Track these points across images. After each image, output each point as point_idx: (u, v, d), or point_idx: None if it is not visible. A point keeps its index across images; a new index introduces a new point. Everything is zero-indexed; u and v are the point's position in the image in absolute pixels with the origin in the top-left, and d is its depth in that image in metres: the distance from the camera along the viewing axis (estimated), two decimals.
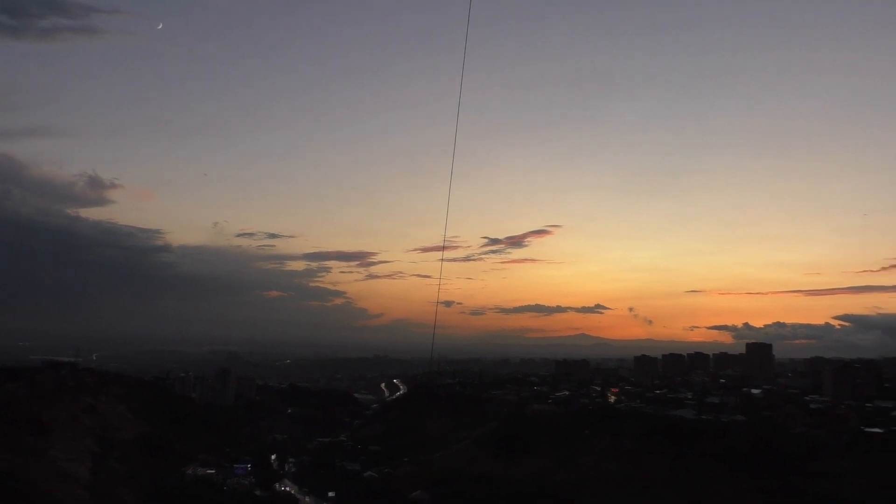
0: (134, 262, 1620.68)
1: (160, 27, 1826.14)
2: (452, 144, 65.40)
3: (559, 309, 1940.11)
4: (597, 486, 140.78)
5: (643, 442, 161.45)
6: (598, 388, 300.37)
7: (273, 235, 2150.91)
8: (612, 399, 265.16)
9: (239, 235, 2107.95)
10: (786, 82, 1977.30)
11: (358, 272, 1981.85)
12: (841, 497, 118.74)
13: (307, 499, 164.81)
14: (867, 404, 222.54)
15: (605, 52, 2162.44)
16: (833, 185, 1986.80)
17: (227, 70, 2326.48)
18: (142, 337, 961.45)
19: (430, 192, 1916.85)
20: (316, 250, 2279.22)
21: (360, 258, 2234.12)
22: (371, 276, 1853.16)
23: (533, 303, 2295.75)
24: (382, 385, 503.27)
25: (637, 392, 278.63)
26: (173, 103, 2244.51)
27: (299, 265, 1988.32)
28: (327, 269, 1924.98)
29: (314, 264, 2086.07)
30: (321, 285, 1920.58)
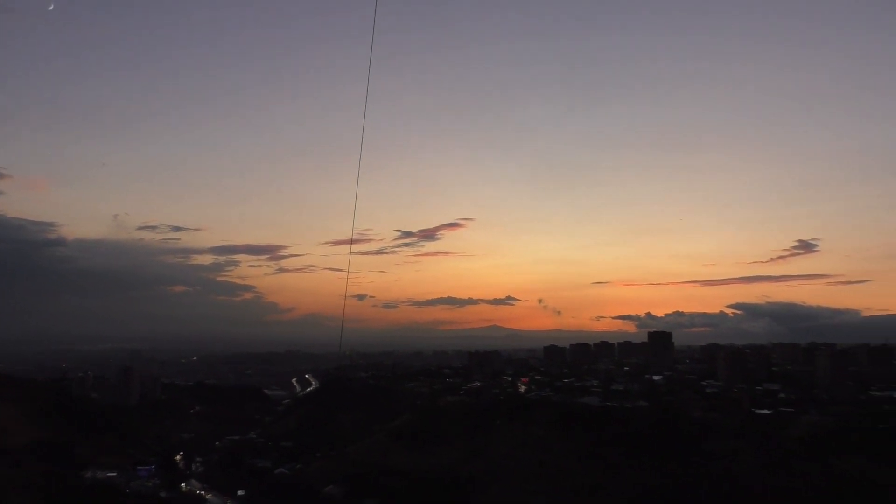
0: (25, 256, 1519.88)
1: (51, 8, 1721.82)
2: (362, 134, 64.46)
3: (471, 301, 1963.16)
4: (509, 474, 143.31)
5: (552, 429, 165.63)
6: (510, 379, 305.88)
7: (178, 228, 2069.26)
8: (523, 389, 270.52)
9: (141, 228, 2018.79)
10: (686, 84, 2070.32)
11: (268, 266, 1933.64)
12: (734, 475, 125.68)
13: (215, 498, 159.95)
14: (757, 387, 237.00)
15: (517, 48, 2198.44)
16: (729, 181, 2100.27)
17: (128, 53, 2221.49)
18: (36, 336, 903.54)
19: (342, 184, 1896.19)
20: (224, 244, 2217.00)
21: (270, 252, 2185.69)
22: (281, 270, 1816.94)
23: (446, 295, 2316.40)
24: (294, 380, 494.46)
25: (546, 381, 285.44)
26: (68, 88, 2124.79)
27: (206, 259, 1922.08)
28: (235, 263, 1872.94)
29: (222, 258, 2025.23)
30: (229, 279, 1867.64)
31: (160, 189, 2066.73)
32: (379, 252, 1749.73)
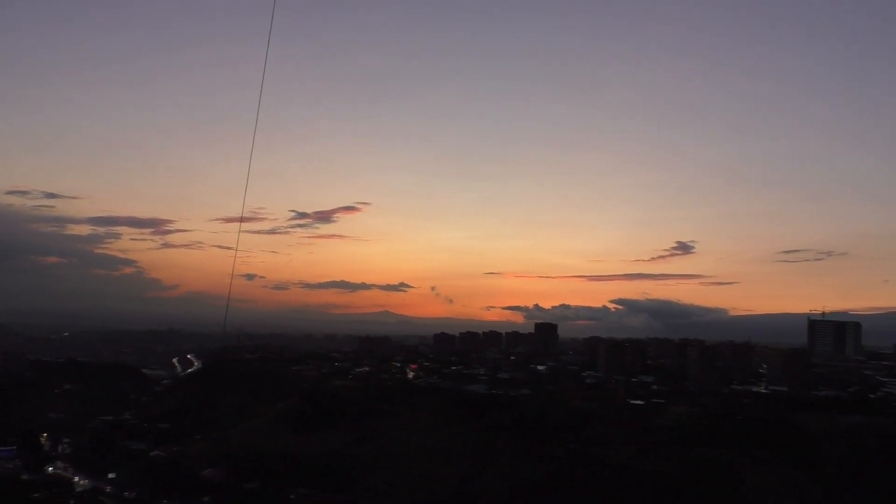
0: None
1: None
2: (258, 110, 62.54)
3: (364, 286, 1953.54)
4: (395, 458, 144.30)
5: (439, 415, 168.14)
6: (399, 365, 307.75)
7: (52, 195, 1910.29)
8: (412, 375, 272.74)
9: (9, 193, 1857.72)
10: (583, 85, 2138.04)
11: (152, 240, 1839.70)
12: (609, 461, 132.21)
13: (84, 481, 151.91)
14: (633, 379, 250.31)
15: (425, 32, 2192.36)
16: (616, 182, 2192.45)
17: (6, 12, 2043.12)
18: None
19: (235, 160, 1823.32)
20: (104, 214, 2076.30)
21: (155, 225, 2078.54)
22: (166, 245, 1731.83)
23: (339, 279, 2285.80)
24: (175, 360, 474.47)
25: (435, 368, 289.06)
26: None
27: (83, 229, 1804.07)
28: (116, 236, 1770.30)
29: (101, 229, 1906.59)
30: (108, 252, 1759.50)
31: (33, 152, 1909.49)
32: (272, 232, 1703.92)
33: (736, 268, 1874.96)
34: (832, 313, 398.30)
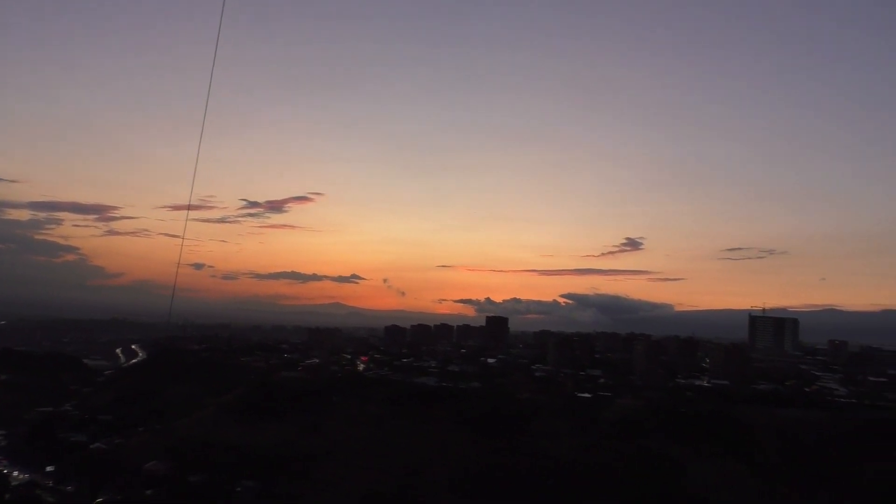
0: None
1: None
2: (207, 96, 61.07)
3: (315, 277, 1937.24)
4: (344, 450, 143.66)
5: (389, 407, 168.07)
6: (349, 356, 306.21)
7: None
8: (362, 367, 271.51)
9: None
10: (539, 82, 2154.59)
11: (96, 227, 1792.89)
12: (554, 453, 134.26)
13: (21, 475, 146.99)
14: (581, 372, 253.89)
15: (382, 22, 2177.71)
16: (569, 178, 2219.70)
17: None
18: None
19: (184, 147, 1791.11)
20: (45, 199, 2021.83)
21: (100, 212, 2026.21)
22: (111, 232, 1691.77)
23: (289, 270, 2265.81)
24: (118, 350, 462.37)
25: (386, 360, 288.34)
26: None
27: (22, 214, 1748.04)
28: (58, 221, 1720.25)
29: (42, 214, 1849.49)
30: (49, 238, 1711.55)
31: None
32: (221, 220, 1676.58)
33: (682, 264, 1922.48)
34: (772, 310, 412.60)
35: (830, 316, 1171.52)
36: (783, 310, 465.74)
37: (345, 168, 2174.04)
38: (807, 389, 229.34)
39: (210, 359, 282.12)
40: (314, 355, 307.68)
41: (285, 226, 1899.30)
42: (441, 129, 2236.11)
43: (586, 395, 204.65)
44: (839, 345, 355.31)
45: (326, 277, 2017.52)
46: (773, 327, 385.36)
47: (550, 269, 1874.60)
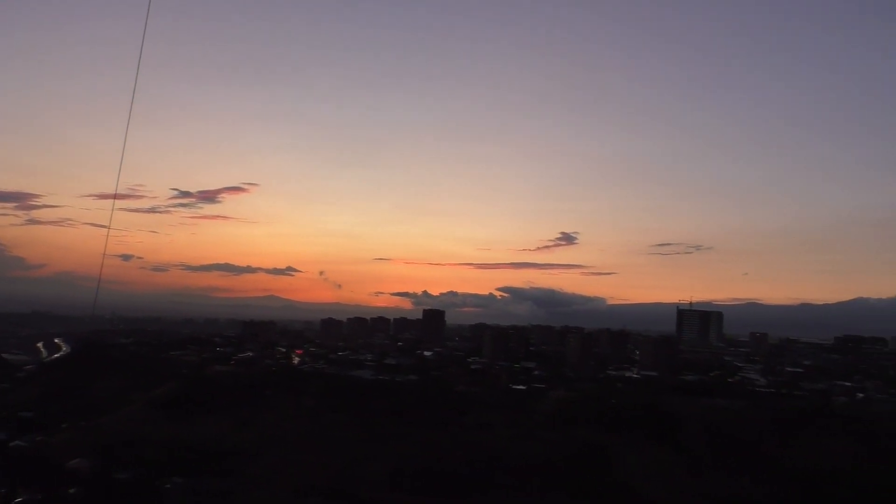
0: None
1: None
2: (135, 81, 58.53)
3: (250, 269, 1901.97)
4: (277, 444, 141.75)
5: (324, 401, 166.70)
6: (284, 350, 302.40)
7: None
8: (297, 360, 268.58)
9: None
10: (476, 76, 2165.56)
11: (15, 215, 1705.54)
12: (488, 444, 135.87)
13: None
14: (516, 365, 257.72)
15: (317, 9, 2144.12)
16: (506, 172, 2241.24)
17: None
18: None
19: (112, 133, 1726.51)
20: None
21: (19, 199, 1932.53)
22: (32, 221, 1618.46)
23: (223, 262, 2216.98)
24: (40, 344, 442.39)
25: (322, 354, 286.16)
26: None
27: None
28: None
29: None
30: None
31: None
32: (151, 210, 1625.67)
33: (615, 259, 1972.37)
34: (699, 303, 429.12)
35: (752, 309, 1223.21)
36: (709, 303, 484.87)
37: (280, 159, 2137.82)
38: (730, 380, 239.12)
39: (138, 353, 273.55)
40: (248, 349, 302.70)
41: (218, 216, 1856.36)
42: (377, 120, 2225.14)
43: (521, 387, 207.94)
44: (760, 337, 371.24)
45: (261, 269, 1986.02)
46: (699, 320, 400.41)
47: (487, 262, 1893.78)
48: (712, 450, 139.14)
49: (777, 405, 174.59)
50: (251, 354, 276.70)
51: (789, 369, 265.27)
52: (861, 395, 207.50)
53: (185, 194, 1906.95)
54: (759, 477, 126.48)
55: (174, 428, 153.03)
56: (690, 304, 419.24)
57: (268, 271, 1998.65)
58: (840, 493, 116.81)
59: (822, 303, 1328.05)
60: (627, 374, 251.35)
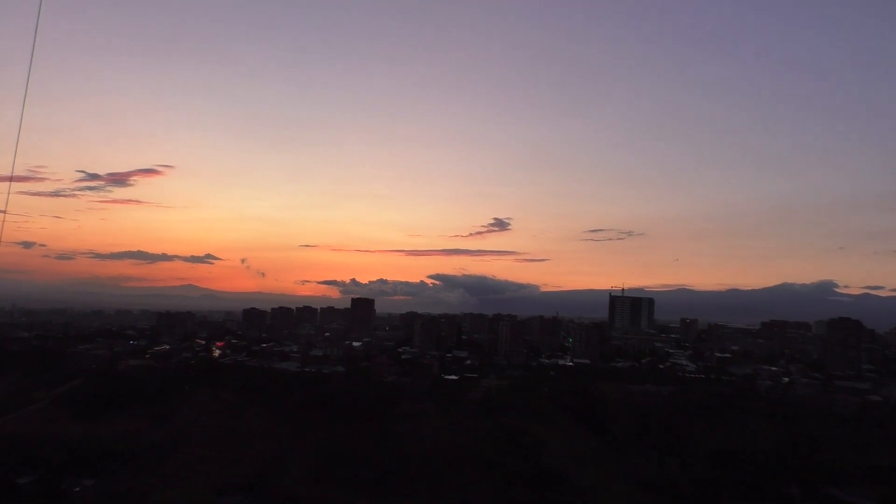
0: None
1: None
2: (32, 52, 55.48)
3: (165, 257, 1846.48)
4: (197, 440, 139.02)
5: (246, 394, 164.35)
6: (204, 342, 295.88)
7: None
8: (217, 353, 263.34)
9: None
10: (406, 53, 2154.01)
11: None
12: (419, 434, 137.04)
13: None
14: (448, 354, 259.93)
15: None
16: (438, 155, 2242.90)
17: None
18: None
19: (7, 107, 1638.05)
20: None
21: None
22: None
23: (135, 249, 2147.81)
24: None
25: (244, 345, 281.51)
26: None
27: None
28: None
29: None
30: None
31: None
32: (55, 194, 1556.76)
33: (547, 245, 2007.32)
34: (630, 290, 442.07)
35: (683, 295, 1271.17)
36: (641, 290, 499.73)
37: (196, 139, 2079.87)
38: (661, 366, 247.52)
39: (42, 347, 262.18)
40: (164, 341, 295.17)
41: (130, 200, 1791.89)
42: (301, 100, 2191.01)
43: (453, 376, 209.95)
44: (690, 323, 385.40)
45: (177, 257, 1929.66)
46: (630, 307, 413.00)
47: (418, 249, 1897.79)
48: (640, 435, 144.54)
49: (705, 390, 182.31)
50: (167, 347, 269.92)
51: (718, 354, 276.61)
52: (786, 379, 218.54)
53: (93, 177, 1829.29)
54: (685, 460, 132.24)
55: (82, 427, 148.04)
56: (622, 290, 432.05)
57: (185, 259, 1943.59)
58: (762, 473, 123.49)
59: (749, 288, 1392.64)
60: (560, 361, 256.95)
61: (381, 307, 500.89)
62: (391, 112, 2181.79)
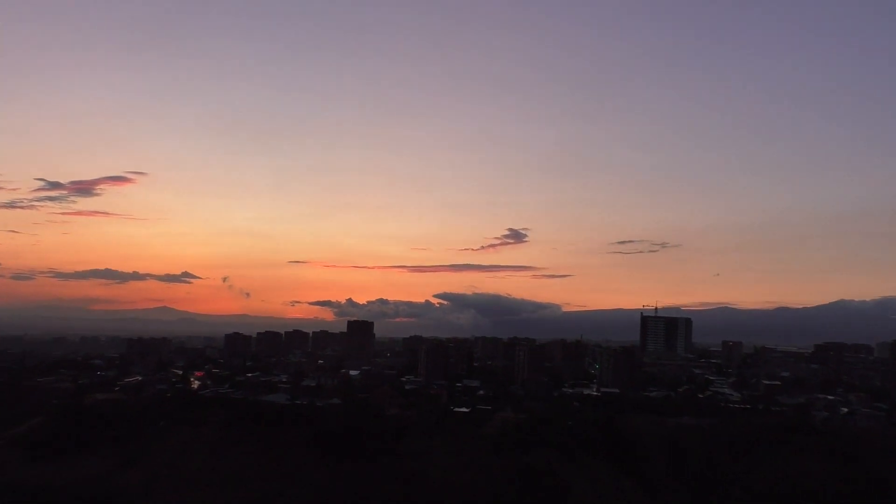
0: None
1: None
2: None
3: (137, 276, 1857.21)
4: (172, 483, 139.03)
5: (230, 431, 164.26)
6: (181, 372, 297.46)
7: None
8: (197, 384, 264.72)
9: None
10: (410, 48, 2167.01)
11: None
12: (427, 475, 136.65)
13: None
14: (458, 384, 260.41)
15: None
16: (445, 159, 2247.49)
17: None
18: None
19: None
20: None
21: None
22: None
23: (103, 267, 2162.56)
24: None
25: (226, 375, 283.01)
26: None
27: None
28: None
29: None
30: None
31: None
32: (10, 205, 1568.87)
33: (570, 259, 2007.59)
34: (665, 309, 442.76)
35: (724, 314, 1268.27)
36: (676, 309, 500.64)
37: (172, 144, 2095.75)
38: (700, 395, 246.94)
39: None
40: (135, 372, 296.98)
41: (96, 212, 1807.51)
42: (288, 98, 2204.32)
43: (463, 409, 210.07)
44: (733, 346, 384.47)
45: (151, 276, 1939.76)
46: (665, 328, 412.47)
47: (422, 264, 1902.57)
48: (677, 475, 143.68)
49: (751, 423, 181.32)
50: (139, 379, 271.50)
51: (765, 382, 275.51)
52: (844, 409, 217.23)
53: (54, 185, 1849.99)
54: (730, 503, 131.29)
55: (42, 471, 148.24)
56: (655, 309, 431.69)
57: (159, 278, 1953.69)
58: None
59: (800, 306, 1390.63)
60: (585, 391, 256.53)
61: (381, 331, 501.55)
62: (391, 111, 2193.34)
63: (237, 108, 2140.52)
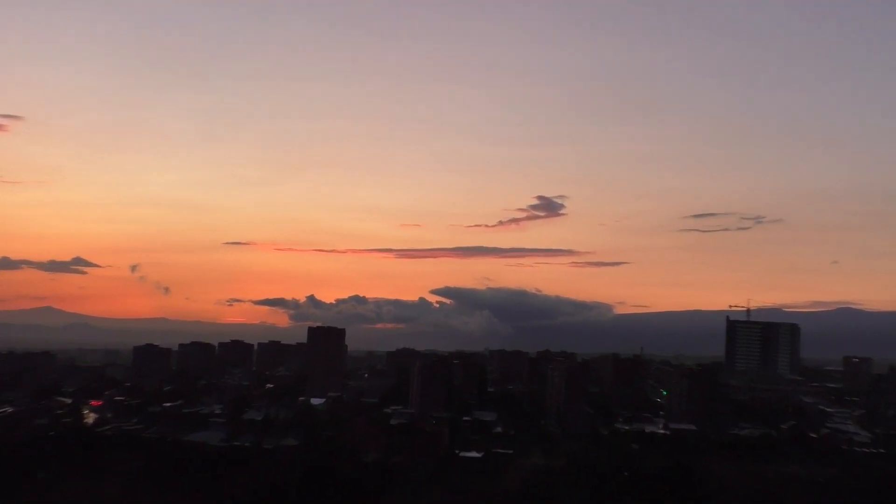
0: None
1: None
2: None
3: (10, 263, 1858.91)
4: None
5: (140, 483, 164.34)
6: (69, 401, 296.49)
7: None
8: (93, 417, 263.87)
9: None
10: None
11: None
12: None
13: None
14: (465, 417, 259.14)
15: None
16: (447, 98, 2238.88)
17: None
18: None
19: None
20: None
21: None
22: None
23: None
24: None
25: (135, 405, 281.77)
26: None
27: None
28: None
29: None
30: None
31: None
32: None
33: (624, 239, 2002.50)
34: (760, 310, 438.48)
35: (846, 318, 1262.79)
36: (777, 310, 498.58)
37: (60, 77, 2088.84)
38: (812, 435, 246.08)
39: None
40: (6, 399, 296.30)
41: None
42: (223, 9, 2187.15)
43: (473, 453, 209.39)
44: (859, 363, 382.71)
45: (28, 264, 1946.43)
46: (760, 338, 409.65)
47: (415, 247, 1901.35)
48: None
49: (886, 472, 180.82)
50: (9, 410, 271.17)
51: None
52: None
53: None
54: None
55: None
56: (748, 311, 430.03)
57: (40, 266, 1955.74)
58: None
59: None
60: (647, 428, 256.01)
61: (356, 341, 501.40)
62: (371, 28, 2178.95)
63: (150, 25, 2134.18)
